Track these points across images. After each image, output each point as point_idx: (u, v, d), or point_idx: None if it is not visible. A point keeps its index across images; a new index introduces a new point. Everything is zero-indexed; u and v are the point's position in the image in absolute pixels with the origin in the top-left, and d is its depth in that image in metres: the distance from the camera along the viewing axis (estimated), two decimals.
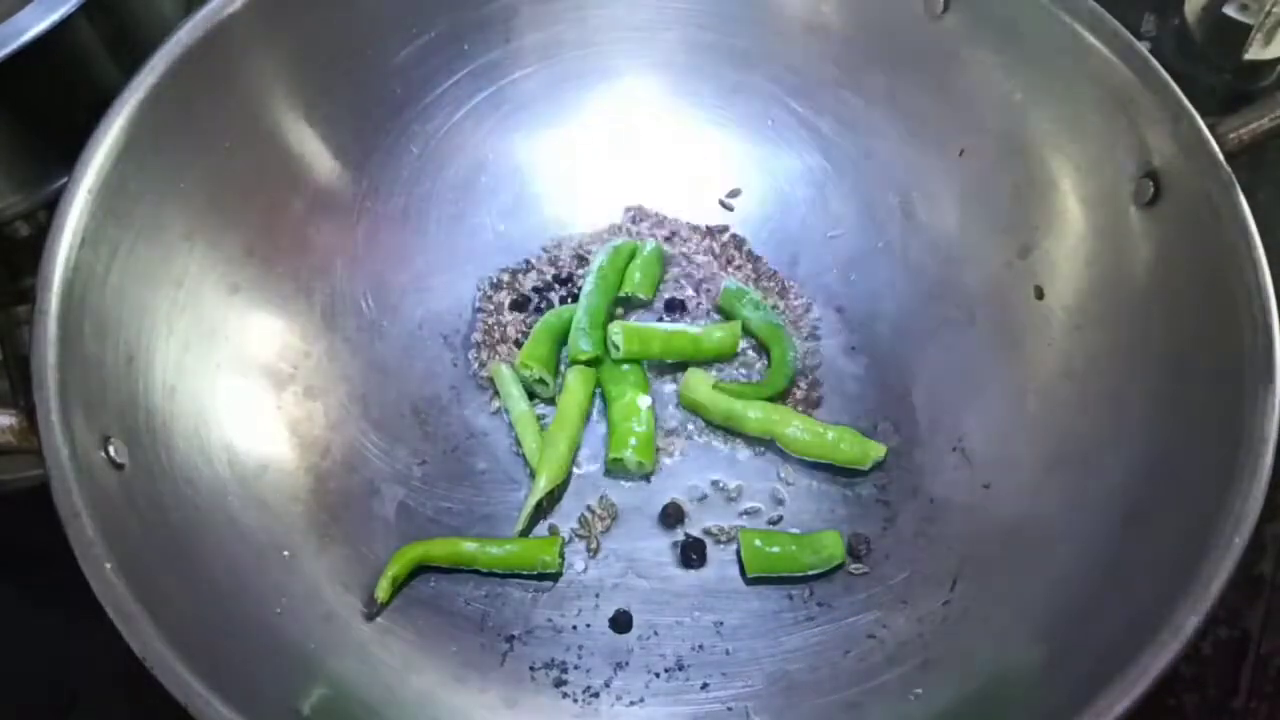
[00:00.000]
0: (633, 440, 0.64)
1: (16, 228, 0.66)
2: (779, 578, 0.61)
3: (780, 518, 0.63)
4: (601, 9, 0.72)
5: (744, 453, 0.66)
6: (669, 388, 0.68)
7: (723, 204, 0.73)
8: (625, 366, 0.66)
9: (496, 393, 0.67)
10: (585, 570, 0.63)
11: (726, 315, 0.69)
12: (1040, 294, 0.65)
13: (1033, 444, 0.62)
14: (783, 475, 0.65)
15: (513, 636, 0.60)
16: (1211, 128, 0.56)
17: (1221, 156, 0.56)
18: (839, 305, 0.70)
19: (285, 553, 0.59)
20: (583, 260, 0.71)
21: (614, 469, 0.65)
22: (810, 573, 0.61)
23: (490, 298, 0.70)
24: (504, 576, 0.62)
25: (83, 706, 0.64)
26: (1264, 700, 0.64)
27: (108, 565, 0.47)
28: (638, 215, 0.73)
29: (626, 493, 0.65)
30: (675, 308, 0.70)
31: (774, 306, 0.69)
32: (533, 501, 0.62)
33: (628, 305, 0.70)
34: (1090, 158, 0.62)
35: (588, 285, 0.68)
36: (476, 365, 0.68)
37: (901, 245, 0.70)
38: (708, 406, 0.65)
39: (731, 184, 0.73)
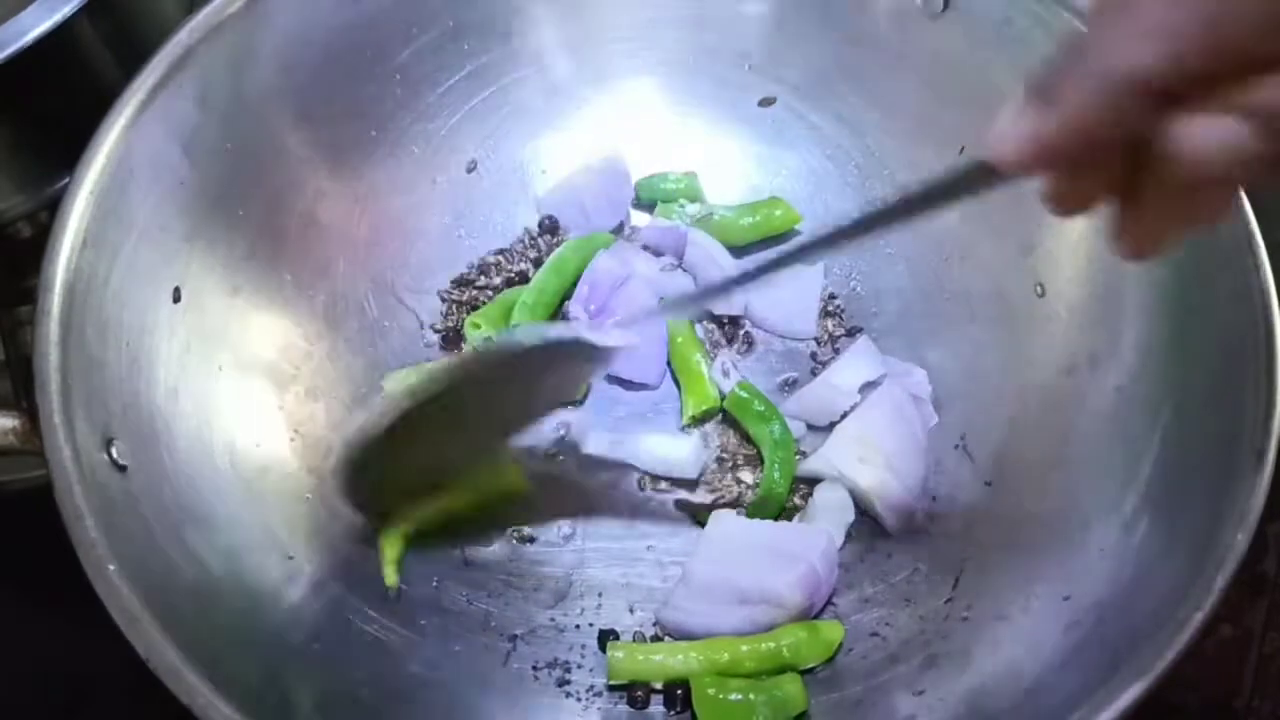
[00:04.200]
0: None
1: (19, 228, 0.66)
2: None
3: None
4: (601, 9, 0.72)
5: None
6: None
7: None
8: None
9: None
10: (588, 570, 0.63)
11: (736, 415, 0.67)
12: (1042, 292, 0.65)
13: (1034, 442, 0.62)
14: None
15: (515, 636, 0.60)
16: None
17: None
18: (839, 305, 0.70)
19: (287, 554, 0.59)
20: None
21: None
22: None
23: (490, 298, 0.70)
24: (505, 580, 0.62)
25: (86, 707, 0.64)
26: (1267, 699, 0.65)
27: (111, 567, 0.47)
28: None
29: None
30: None
31: None
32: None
33: None
34: None
35: (543, 268, 0.69)
36: None
37: (902, 244, 0.70)
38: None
39: (732, 183, 0.73)
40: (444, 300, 0.70)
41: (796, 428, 0.66)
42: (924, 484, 0.64)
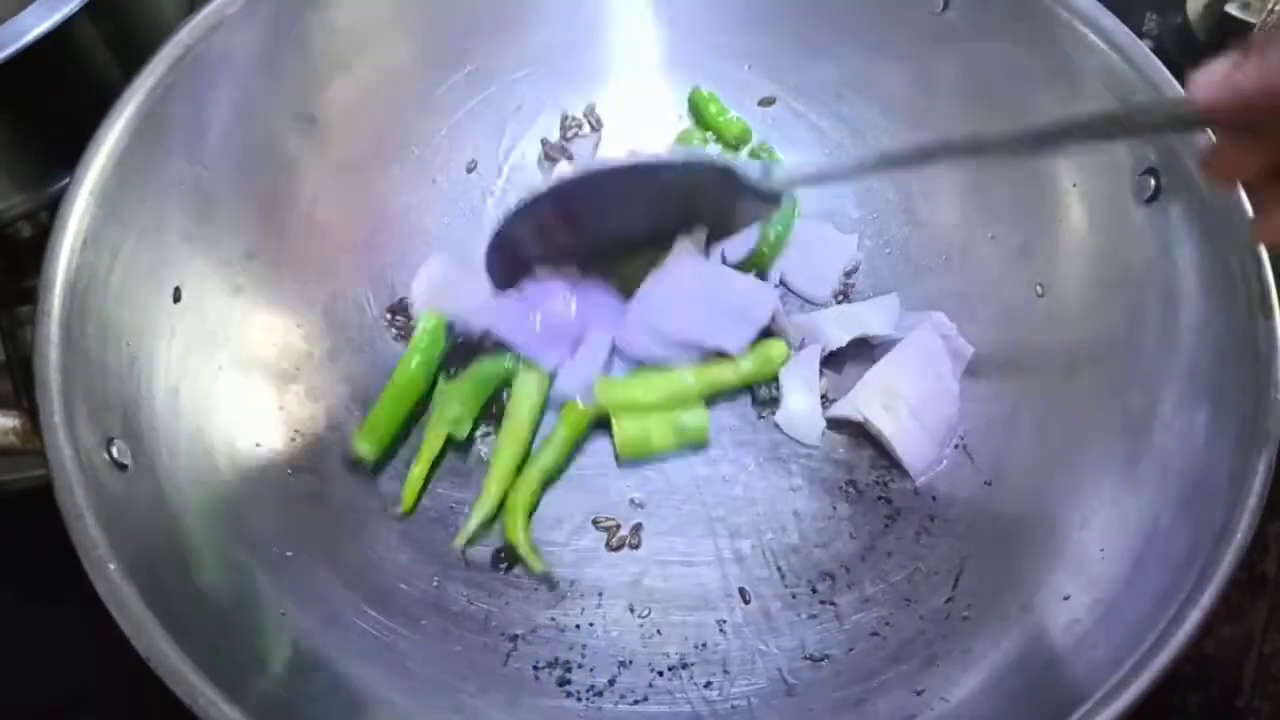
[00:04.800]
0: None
1: (19, 228, 0.66)
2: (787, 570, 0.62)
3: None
4: (602, 9, 0.72)
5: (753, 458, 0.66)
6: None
7: None
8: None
9: None
10: (588, 570, 0.63)
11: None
12: (1041, 292, 0.65)
13: (1034, 442, 0.63)
14: (794, 471, 0.65)
15: (516, 636, 0.60)
16: None
17: None
18: (852, 284, 0.70)
19: (289, 553, 0.59)
20: None
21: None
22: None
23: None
24: (505, 579, 0.62)
25: (88, 707, 0.64)
26: (1267, 699, 0.64)
27: (111, 566, 0.48)
28: None
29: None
30: None
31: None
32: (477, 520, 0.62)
33: None
34: (1091, 155, 0.62)
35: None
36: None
37: (902, 243, 0.70)
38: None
39: None
40: (389, 327, 0.68)
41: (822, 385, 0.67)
42: (952, 428, 0.65)
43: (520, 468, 0.64)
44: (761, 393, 0.67)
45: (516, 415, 0.64)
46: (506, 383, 0.66)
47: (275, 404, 0.63)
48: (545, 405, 0.65)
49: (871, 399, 0.64)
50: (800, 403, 0.66)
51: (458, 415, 0.64)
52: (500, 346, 0.66)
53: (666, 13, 0.72)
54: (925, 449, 0.64)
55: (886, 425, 0.64)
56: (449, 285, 0.68)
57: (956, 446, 0.65)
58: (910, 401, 0.64)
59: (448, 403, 0.64)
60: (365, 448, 0.62)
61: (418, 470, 0.63)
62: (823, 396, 0.67)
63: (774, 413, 0.66)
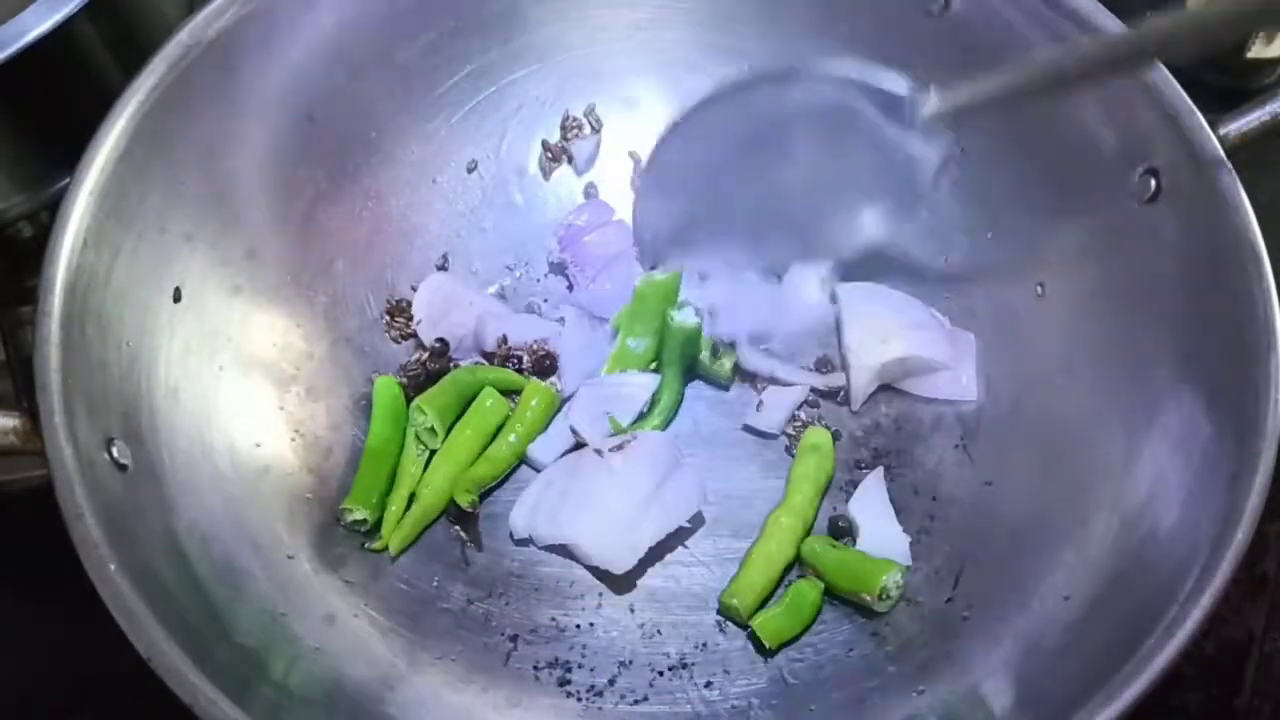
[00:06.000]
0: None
1: (19, 228, 0.66)
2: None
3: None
4: (603, 8, 0.72)
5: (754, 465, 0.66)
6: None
7: None
8: None
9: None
10: (588, 570, 0.63)
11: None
12: (1042, 292, 0.65)
13: (1034, 442, 0.63)
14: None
15: (516, 636, 0.60)
16: (1212, 125, 0.56)
17: (1223, 153, 0.56)
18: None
19: (288, 554, 0.59)
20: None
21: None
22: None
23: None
24: (506, 579, 0.62)
25: (88, 706, 0.64)
26: (1267, 699, 0.64)
27: (111, 566, 0.47)
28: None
29: None
30: None
31: None
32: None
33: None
34: (1091, 154, 0.62)
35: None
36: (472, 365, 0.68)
37: (902, 243, 0.70)
38: None
39: None
40: (388, 329, 0.68)
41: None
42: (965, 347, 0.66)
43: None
44: (840, 525, 0.63)
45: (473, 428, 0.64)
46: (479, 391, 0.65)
47: (275, 404, 0.63)
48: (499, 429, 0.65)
49: (868, 339, 0.64)
50: (880, 532, 0.63)
51: (430, 426, 0.63)
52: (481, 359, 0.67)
53: (666, 13, 0.72)
54: (942, 347, 0.65)
55: (895, 350, 0.64)
56: (449, 301, 0.68)
57: (956, 447, 0.65)
58: (902, 325, 0.65)
59: (420, 416, 0.64)
60: (361, 512, 0.61)
61: (396, 507, 0.62)
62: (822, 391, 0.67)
63: (853, 543, 0.63)
